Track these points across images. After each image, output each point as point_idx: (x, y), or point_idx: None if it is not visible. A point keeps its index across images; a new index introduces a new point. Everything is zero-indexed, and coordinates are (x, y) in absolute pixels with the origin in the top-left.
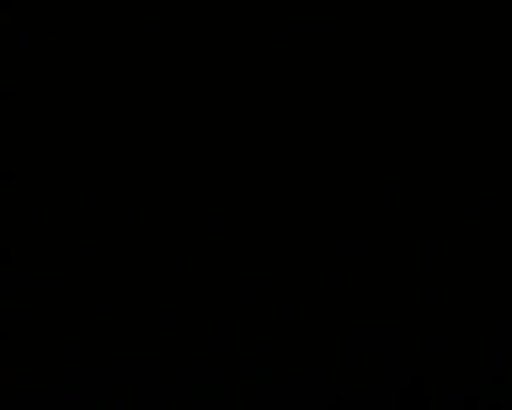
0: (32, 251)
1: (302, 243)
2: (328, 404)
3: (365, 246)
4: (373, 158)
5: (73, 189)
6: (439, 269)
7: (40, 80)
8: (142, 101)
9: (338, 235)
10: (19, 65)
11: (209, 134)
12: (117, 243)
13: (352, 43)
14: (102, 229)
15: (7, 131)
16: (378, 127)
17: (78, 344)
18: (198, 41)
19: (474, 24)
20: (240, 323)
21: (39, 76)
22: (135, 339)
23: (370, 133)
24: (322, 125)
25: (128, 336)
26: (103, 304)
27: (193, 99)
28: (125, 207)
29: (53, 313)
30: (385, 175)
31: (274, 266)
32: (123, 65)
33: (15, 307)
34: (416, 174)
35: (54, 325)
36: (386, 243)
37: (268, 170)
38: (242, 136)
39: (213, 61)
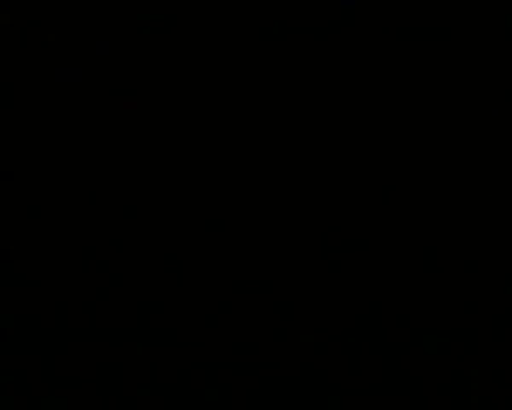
0: (32, 251)
1: (302, 242)
2: (328, 404)
3: (365, 246)
4: (373, 158)
5: (73, 189)
6: (439, 269)
7: (40, 80)
8: (142, 101)
9: (338, 235)
10: (19, 65)
11: (209, 134)
12: (117, 243)
13: (351, 43)
14: (102, 229)
15: (7, 131)
16: (378, 127)
17: (78, 344)
18: (198, 41)
19: (475, 24)
20: (240, 322)
21: (39, 76)
22: (135, 339)
23: (370, 133)
24: (322, 125)
25: (128, 336)
26: (103, 304)
27: (193, 99)
28: (124, 207)
29: (53, 313)
30: (385, 175)
31: (274, 265)
32: (123, 65)
33: (15, 307)
34: (416, 174)
35: (53, 324)
36: (386, 243)
37: (268, 170)
38: (242, 136)
39: (213, 61)
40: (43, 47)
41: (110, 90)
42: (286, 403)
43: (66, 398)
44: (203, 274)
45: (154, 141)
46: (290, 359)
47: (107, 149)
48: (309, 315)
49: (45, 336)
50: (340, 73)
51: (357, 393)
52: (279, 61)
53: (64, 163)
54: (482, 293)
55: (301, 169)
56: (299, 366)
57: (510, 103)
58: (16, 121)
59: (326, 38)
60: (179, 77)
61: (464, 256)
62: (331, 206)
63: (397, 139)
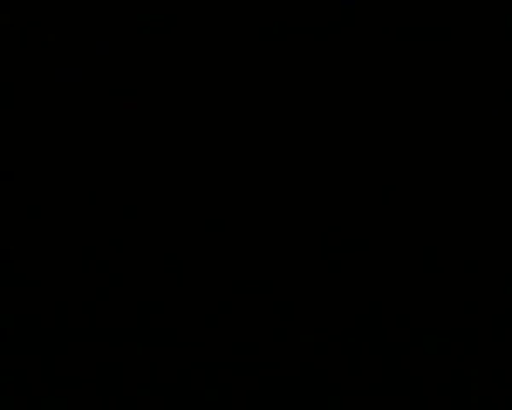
0: (32, 251)
1: (302, 242)
2: (328, 404)
3: (365, 246)
4: (373, 158)
5: (73, 189)
6: (439, 269)
7: (40, 80)
8: (142, 101)
9: (338, 235)
10: (19, 65)
11: (209, 134)
12: (117, 242)
13: (351, 43)
14: (102, 229)
15: (7, 131)
16: (378, 127)
17: (78, 344)
18: (198, 41)
19: (475, 24)
20: (240, 322)
21: (39, 76)
22: (135, 339)
23: (370, 133)
24: (321, 125)
25: (128, 336)
26: (103, 304)
27: (193, 99)
28: (125, 207)
29: (53, 313)
30: (385, 175)
31: (274, 265)
32: (123, 65)
33: (15, 307)
34: (416, 174)
35: (53, 324)
36: (386, 243)
37: (268, 170)
38: (242, 135)
39: (213, 61)
40: (43, 47)
41: (110, 90)
42: (286, 403)
43: (66, 398)
44: (203, 274)
45: (154, 141)
46: (290, 359)
47: (107, 149)
48: (309, 315)
49: (45, 336)
50: (340, 73)
51: (357, 393)
52: (279, 61)
53: (64, 163)
54: (482, 293)
55: (301, 169)
56: (299, 366)
57: (510, 103)
58: (16, 121)
59: (326, 38)
60: (179, 77)
61: (464, 256)
62: (331, 206)
63: (397, 139)
